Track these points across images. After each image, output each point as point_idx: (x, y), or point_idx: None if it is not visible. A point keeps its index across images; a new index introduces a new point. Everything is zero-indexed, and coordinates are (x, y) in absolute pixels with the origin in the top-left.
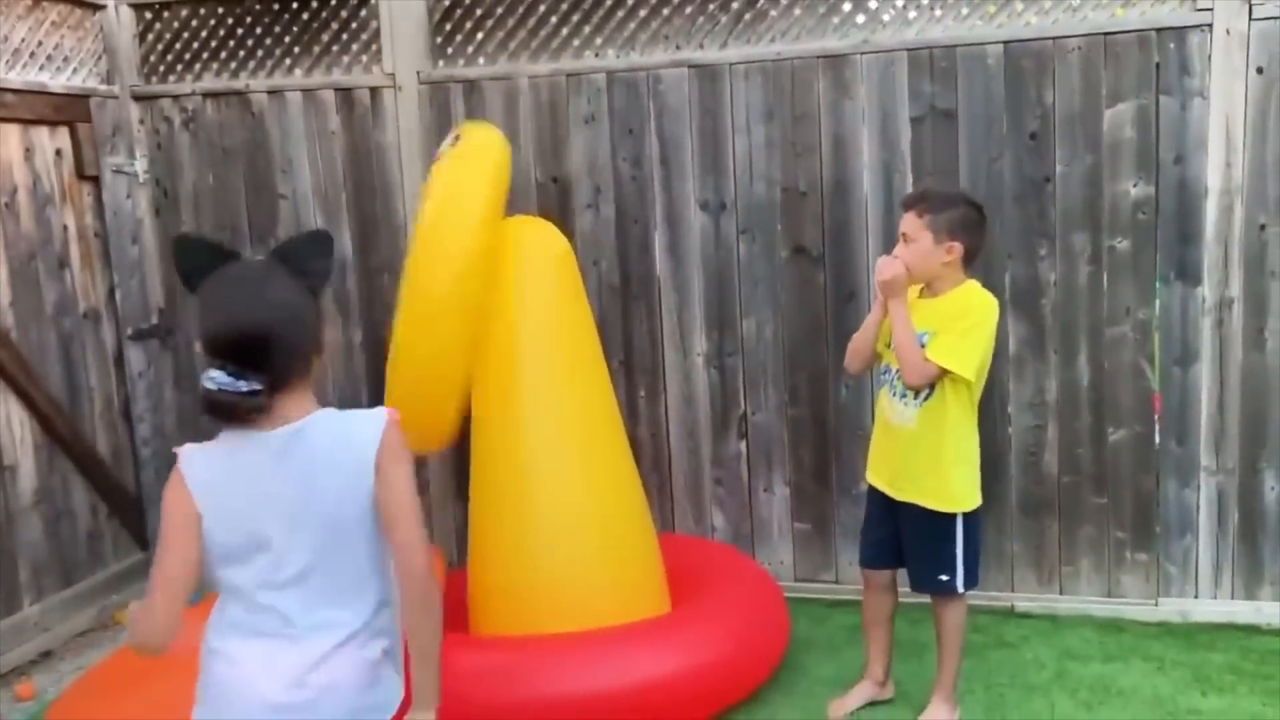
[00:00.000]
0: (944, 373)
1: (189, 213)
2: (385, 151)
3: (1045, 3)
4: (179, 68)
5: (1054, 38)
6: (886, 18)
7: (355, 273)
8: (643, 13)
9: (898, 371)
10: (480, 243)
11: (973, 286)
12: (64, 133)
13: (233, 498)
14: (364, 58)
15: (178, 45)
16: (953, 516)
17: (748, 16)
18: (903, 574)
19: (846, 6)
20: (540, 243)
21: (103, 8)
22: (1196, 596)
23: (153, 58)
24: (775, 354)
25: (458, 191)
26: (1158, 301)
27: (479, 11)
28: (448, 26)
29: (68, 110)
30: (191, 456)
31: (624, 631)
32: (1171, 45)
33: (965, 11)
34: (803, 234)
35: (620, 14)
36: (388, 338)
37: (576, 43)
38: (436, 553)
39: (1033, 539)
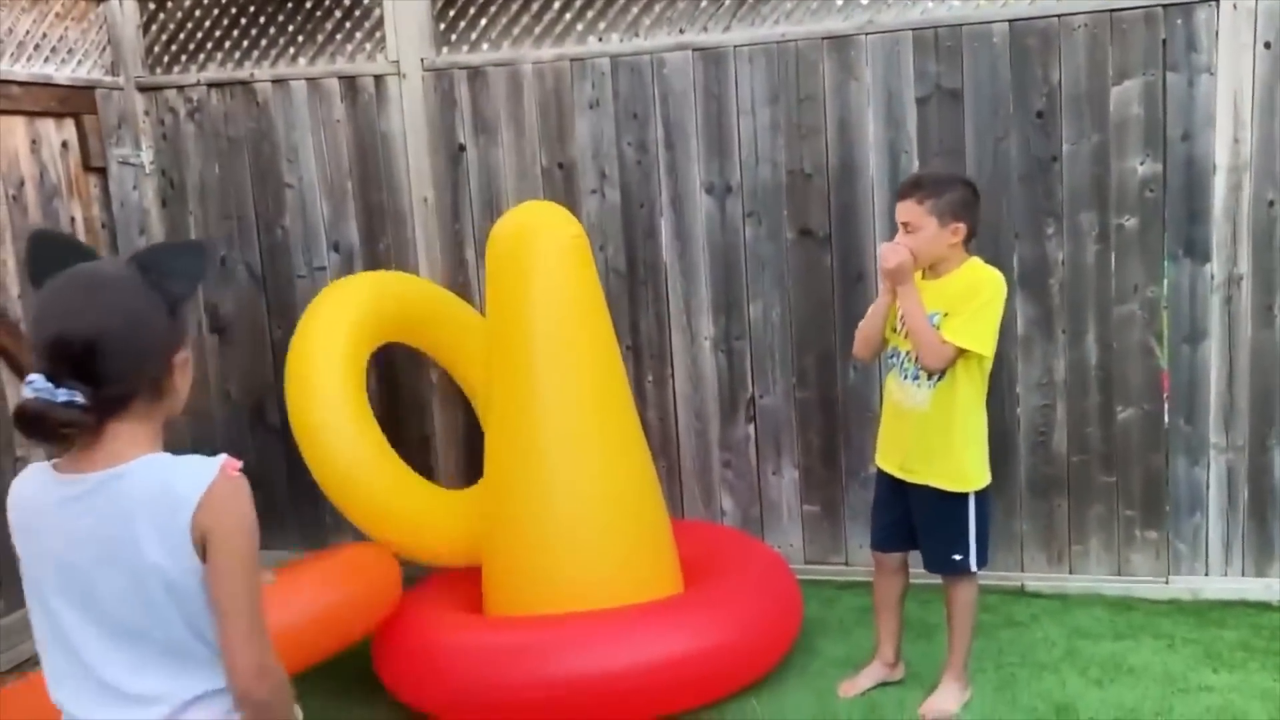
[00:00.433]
0: (961, 353)
1: (195, 203)
2: (390, 139)
3: None
4: (183, 58)
5: (1059, 15)
6: None
7: (362, 260)
8: None
9: (907, 354)
10: (340, 375)
11: (976, 263)
12: (70, 124)
13: (34, 536)
14: (368, 46)
15: (181, 35)
16: (965, 496)
17: None
18: (914, 556)
19: None
20: (554, 226)
21: None
22: (1207, 574)
23: (157, 48)
24: (782, 337)
25: (315, 329)
26: (1166, 279)
27: None
28: (451, 13)
29: (73, 102)
30: (23, 475)
31: (637, 612)
32: (1178, 21)
33: None
34: (809, 216)
35: None
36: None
37: (580, 27)
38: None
39: (1042, 518)
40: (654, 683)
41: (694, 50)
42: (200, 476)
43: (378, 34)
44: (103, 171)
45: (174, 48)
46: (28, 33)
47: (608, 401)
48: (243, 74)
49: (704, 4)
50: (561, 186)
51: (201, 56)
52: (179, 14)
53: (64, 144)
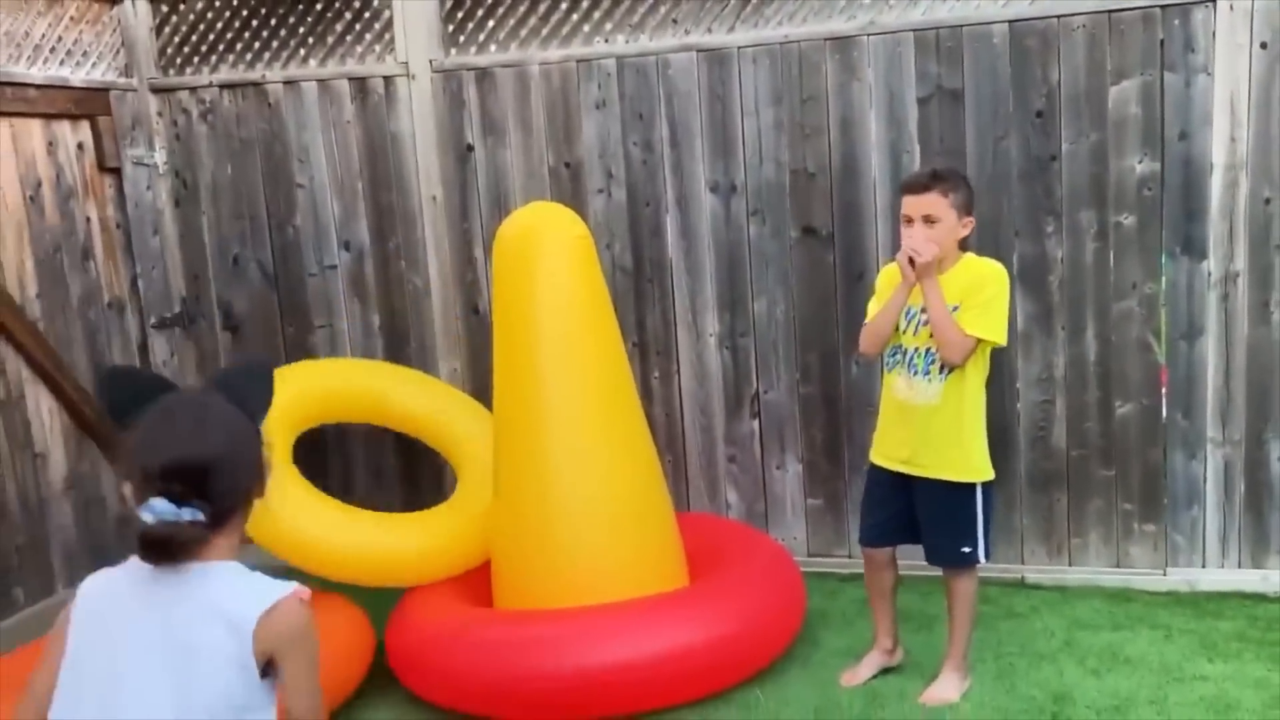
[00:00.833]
0: (977, 344)
1: (208, 203)
2: (400, 140)
3: None
4: (195, 60)
5: (1058, 16)
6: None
7: (372, 259)
8: None
9: (915, 351)
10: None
11: (973, 258)
12: (85, 126)
13: (103, 624)
14: (377, 47)
15: (194, 37)
16: (973, 487)
17: (754, 0)
18: (904, 549)
19: None
20: (559, 227)
21: (120, 1)
22: (1204, 566)
23: (169, 50)
24: (786, 333)
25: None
26: (1164, 277)
27: None
28: (459, 15)
29: (88, 104)
30: (93, 579)
31: (643, 604)
32: (1176, 21)
33: None
34: (812, 215)
35: (629, 0)
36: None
37: (586, 29)
38: None
39: (1042, 512)
40: (660, 674)
41: (698, 51)
42: (263, 598)
43: (387, 36)
44: (117, 172)
45: (186, 49)
46: (44, 36)
47: (613, 399)
48: (254, 75)
49: (708, 5)
50: (568, 186)
51: (214, 58)
52: (191, 16)
53: (80, 145)
